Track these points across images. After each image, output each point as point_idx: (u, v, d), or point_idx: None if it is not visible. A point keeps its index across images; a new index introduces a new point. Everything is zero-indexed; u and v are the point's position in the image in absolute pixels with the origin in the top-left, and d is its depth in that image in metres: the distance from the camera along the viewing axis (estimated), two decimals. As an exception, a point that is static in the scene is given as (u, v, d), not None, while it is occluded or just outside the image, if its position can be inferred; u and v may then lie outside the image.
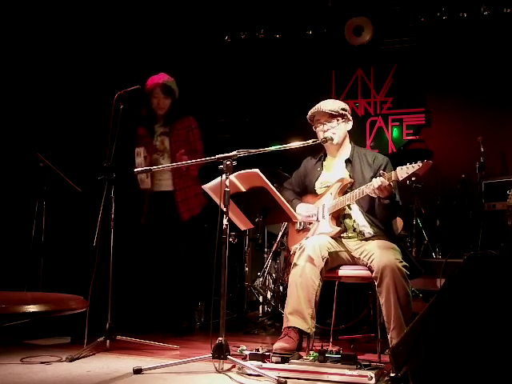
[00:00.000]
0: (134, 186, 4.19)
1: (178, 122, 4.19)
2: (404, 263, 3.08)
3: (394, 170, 3.08)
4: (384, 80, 6.11)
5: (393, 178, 3.05)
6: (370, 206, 3.30)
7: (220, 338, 2.91)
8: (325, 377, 2.75)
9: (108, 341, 3.42)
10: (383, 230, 3.31)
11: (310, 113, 3.48)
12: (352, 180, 3.37)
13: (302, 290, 3.10)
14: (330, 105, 3.44)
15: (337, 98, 5.91)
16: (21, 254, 4.31)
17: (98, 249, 3.43)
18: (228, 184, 3.02)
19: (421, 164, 2.98)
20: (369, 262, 3.17)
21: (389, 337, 3.05)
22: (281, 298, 4.56)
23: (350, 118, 3.50)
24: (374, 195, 3.14)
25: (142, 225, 4.20)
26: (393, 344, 2.77)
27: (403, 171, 3.02)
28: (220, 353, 2.89)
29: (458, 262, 3.73)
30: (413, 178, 2.99)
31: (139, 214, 4.22)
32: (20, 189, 4.58)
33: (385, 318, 3.08)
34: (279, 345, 3.01)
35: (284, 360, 2.87)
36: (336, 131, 3.43)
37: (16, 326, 3.77)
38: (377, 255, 3.12)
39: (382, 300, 3.08)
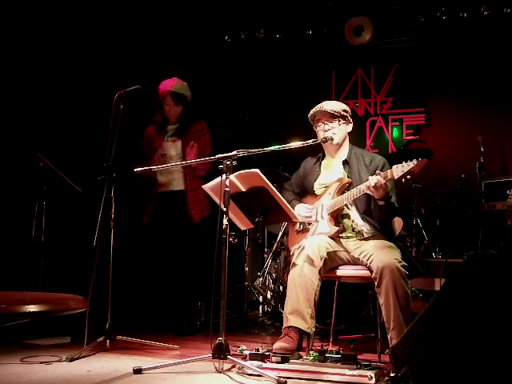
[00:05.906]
0: (138, 185, 4.22)
1: (191, 125, 4.24)
2: (403, 263, 3.08)
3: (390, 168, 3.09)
4: (384, 80, 6.11)
5: (389, 177, 3.06)
6: (366, 207, 3.30)
7: (220, 338, 2.90)
8: (325, 377, 2.75)
9: (108, 341, 3.42)
10: (380, 231, 3.31)
11: (311, 112, 3.49)
12: (350, 180, 3.38)
13: (301, 290, 3.11)
14: (332, 105, 3.46)
15: (337, 98, 5.97)
16: (21, 253, 4.31)
17: (98, 249, 3.44)
18: (228, 184, 3.02)
19: (416, 162, 3.01)
20: (368, 262, 3.17)
21: (388, 337, 3.06)
22: (281, 297, 4.55)
23: (351, 120, 3.51)
24: (370, 193, 3.14)
25: (144, 224, 4.20)
26: (393, 344, 2.77)
27: (399, 169, 3.04)
28: (220, 353, 2.89)
29: (458, 262, 3.73)
30: (408, 177, 3.03)
31: (142, 213, 4.22)
32: (20, 189, 4.58)
33: (384, 318, 3.08)
34: (279, 345, 3.01)
35: (284, 360, 2.87)
36: (336, 132, 3.43)
37: (16, 325, 3.77)
38: (376, 255, 3.12)
39: (381, 300, 3.08)
